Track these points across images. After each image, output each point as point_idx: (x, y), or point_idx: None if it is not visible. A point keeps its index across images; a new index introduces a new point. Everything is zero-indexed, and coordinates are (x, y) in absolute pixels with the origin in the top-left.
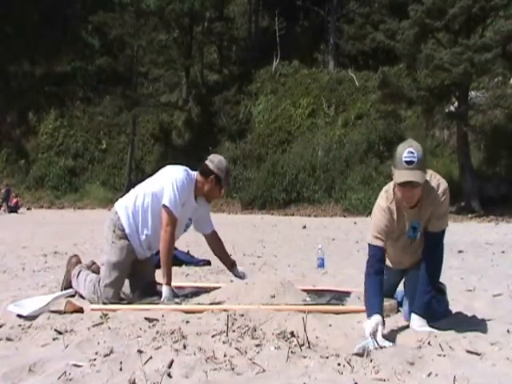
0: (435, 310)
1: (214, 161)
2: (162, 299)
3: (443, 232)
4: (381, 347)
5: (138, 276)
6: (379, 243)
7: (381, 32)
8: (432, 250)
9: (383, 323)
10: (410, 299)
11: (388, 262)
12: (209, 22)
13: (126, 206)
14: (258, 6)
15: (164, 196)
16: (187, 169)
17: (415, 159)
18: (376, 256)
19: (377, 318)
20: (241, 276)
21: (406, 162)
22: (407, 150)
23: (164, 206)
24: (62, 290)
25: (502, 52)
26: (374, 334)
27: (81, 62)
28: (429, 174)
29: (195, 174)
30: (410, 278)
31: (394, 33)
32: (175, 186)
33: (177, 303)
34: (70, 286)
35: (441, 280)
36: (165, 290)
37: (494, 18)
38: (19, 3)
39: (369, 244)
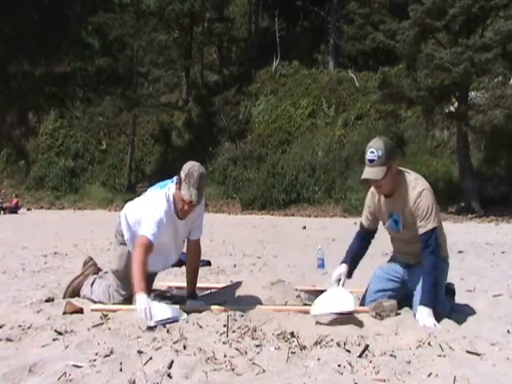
0: (438, 309)
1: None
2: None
3: (430, 232)
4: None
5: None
6: (363, 221)
7: (381, 32)
8: (424, 250)
9: (346, 274)
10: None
11: (395, 253)
12: (209, 22)
13: (125, 214)
14: (258, 7)
15: (141, 227)
16: (167, 194)
17: (375, 157)
18: (361, 230)
19: (342, 266)
20: (192, 307)
21: (368, 160)
22: (369, 150)
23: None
24: (64, 294)
25: (502, 52)
26: (337, 282)
27: (81, 62)
28: (412, 177)
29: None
30: (413, 275)
31: (394, 33)
32: (153, 219)
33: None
34: (77, 294)
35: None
36: (138, 298)
37: (494, 18)
38: (19, 3)
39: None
